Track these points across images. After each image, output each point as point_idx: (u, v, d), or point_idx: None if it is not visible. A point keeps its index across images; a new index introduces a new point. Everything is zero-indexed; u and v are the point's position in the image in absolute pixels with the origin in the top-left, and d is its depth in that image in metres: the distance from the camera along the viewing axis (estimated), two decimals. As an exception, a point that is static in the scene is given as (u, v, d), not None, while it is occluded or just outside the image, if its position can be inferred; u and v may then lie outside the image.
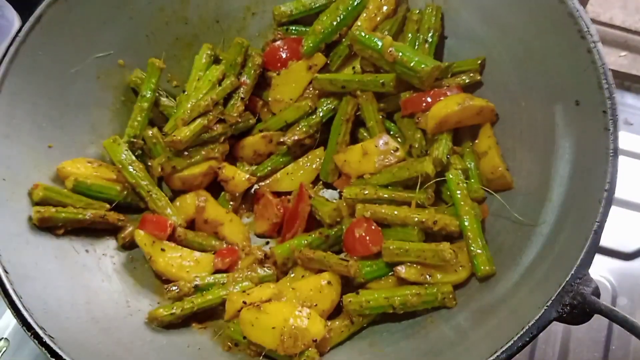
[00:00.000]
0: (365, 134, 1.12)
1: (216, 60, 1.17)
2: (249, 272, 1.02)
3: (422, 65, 1.00)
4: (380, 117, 1.10)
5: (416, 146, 1.04)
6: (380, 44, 1.03)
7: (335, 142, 1.11)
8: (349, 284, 0.99)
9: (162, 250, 1.02)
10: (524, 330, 0.73)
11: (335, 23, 1.11)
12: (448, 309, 0.92)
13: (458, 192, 0.97)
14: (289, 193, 1.13)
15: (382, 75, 1.06)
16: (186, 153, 1.09)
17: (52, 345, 0.79)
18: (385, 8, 1.11)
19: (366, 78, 1.08)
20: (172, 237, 1.05)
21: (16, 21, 1.26)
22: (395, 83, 1.05)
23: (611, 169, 0.78)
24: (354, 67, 1.14)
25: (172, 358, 0.91)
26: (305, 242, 1.03)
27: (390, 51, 1.02)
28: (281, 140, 1.12)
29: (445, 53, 1.12)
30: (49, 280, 0.90)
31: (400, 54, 1.01)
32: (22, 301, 0.82)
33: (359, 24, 1.11)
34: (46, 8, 0.99)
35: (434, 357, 0.86)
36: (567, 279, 0.74)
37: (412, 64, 1.01)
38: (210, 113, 1.08)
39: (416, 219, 0.96)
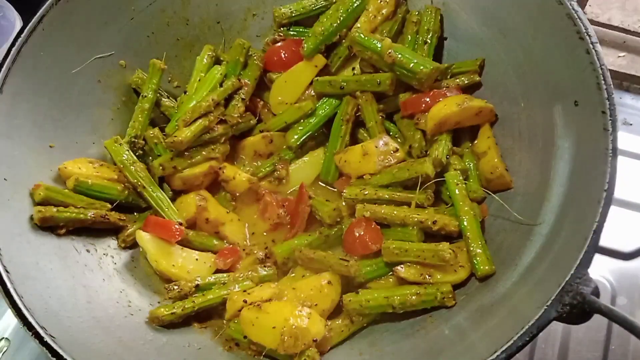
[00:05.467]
0: (365, 135, 1.12)
1: (217, 61, 1.18)
2: (250, 272, 1.02)
3: (421, 67, 1.01)
4: (380, 117, 1.10)
5: (416, 146, 1.04)
6: (379, 45, 1.04)
7: (335, 143, 1.11)
8: (349, 284, 0.99)
9: (163, 250, 1.03)
10: (524, 329, 0.74)
11: (335, 25, 1.11)
12: (447, 308, 0.92)
13: (457, 192, 0.97)
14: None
15: (378, 75, 1.07)
16: (187, 153, 1.09)
17: (53, 344, 0.79)
18: (384, 10, 1.11)
19: (363, 78, 1.08)
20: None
21: (18, 22, 1.27)
22: (392, 82, 1.05)
23: (610, 169, 0.78)
24: (353, 68, 1.14)
25: (173, 357, 0.91)
26: (306, 242, 1.03)
27: (389, 53, 1.02)
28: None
29: (444, 54, 1.13)
30: (50, 280, 0.90)
31: (400, 55, 1.02)
32: (23, 301, 0.82)
33: (358, 25, 1.11)
34: (48, 9, 1.00)
35: (434, 356, 0.86)
36: (567, 278, 0.74)
37: (411, 66, 1.01)
38: (211, 114, 1.09)
39: (416, 219, 0.96)
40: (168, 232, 1.02)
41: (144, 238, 1.02)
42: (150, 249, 1.02)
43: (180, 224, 1.05)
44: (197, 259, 1.04)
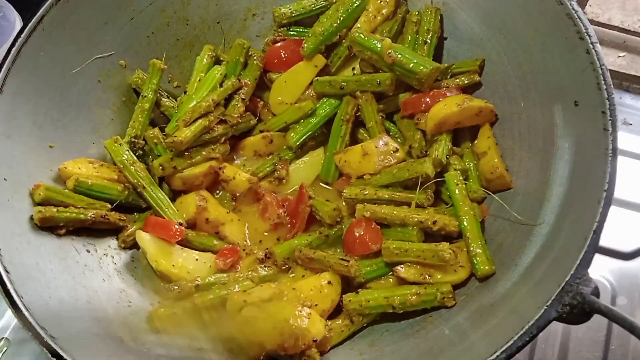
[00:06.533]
0: (365, 135, 1.12)
1: (217, 61, 1.18)
2: (250, 272, 1.02)
3: (421, 67, 1.01)
4: (380, 117, 1.10)
5: (416, 147, 1.04)
6: (379, 46, 1.04)
7: (335, 143, 1.11)
8: (349, 284, 0.99)
9: (163, 250, 1.03)
10: (524, 330, 0.74)
11: (335, 25, 1.11)
12: (447, 308, 0.92)
13: (457, 192, 0.97)
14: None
15: (378, 75, 1.07)
16: (187, 153, 1.09)
17: (53, 345, 0.79)
18: (384, 10, 1.11)
19: (363, 78, 1.08)
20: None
21: (17, 22, 1.26)
22: (392, 82, 1.05)
23: (610, 169, 0.78)
24: (353, 68, 1.14)
25: (173, 357, 0.91)
26: (306, 242, 1.03)
27: (389, 53, 1.02)
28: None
29: (444, 54, 1.13)
30: (50, 280, 0.90)
31: (399, 55, 1.02)
32: (23, 301, 0.82)
33: (358, 25, 1.11)
34: (48, 9, 1.00)
35: (434, 356, 0.86)
36: (567, 279, 0.74)
37: (411, 66, 1.01)
38: (211, 114, 1.09)
39: (416, 219, 0.96)
40: (168, 232, 1.02)
41: (144, 238, 1.02)
42: (150, 249, 1.02)
43: (180, 224, 1.05)
44: (197, 259, 1.04)
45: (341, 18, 1.11)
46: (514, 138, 1.00)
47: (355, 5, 1.11)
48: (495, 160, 0.99)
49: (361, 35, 1.06)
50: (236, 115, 1.12)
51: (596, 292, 0.74)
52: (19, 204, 0.95)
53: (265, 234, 1.11)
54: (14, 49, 0.97)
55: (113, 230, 1.06)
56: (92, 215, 1.00)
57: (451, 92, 1.03)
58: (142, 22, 1.14)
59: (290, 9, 1.17)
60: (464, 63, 1.08)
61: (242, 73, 1.16)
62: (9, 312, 0.82)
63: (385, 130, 1.10)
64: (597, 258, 0.76)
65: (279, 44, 1.17)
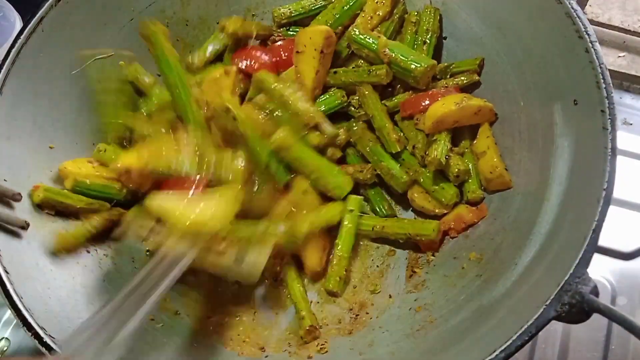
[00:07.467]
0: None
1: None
2: None
3: (416, 65, 1.01)
4: (384, 106, 1.08)
5: (420, 147, 1.04)
6: (375, 43, 1.04)
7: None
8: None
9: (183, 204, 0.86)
10: (523, 329, 0.73)
11: (330, 22, 1.12)
12: (447, 309, 0.92)
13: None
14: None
15: (374, 66, 1.07)
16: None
17: (53, 345, 0.79)
18: (380, 12, 1.12)
19: (360, 68, 1.08)
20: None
21: (17, 22, 1.27)
22: (386, 72, 1.04)
23: (609, 168, 0.78)
24: (354, 67, 1.14)
25: (173, 357, 0.91)
26: None
27: (384, 51, 1.02)
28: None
29: (444, 54, 1.13)
30: (50, 281, 0.90)
31: (394, 53, 1.02)
32: (23, 301, 0.82)
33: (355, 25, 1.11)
34: (47, 10, 1.00)
35: (433, 356, 0.86)
36: (566, 278, 0.74)
37: (405, 63, 1.01)
38: (211, 114, 1.09)
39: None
40: (185, 183, 0.91)
41: (156, 203, 0.87)
42: (169, 209, 0.86)
43: None
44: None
45: (337, 15, 1.12)
46: (514, 137, 1.00)
47: (351, 3, 1.12)
48: (495, 159, 0.99)
49: (357, 32, 1.06)
50: (236, 116, 1.12)
51: (595, 292, 0.74)
52: (19, 204, 0.95)
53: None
54: (13, 50, 0.97)
55: (113, 230, 1.06)
56: (92, 216, 1.01)
57: (450, 92, 1.03)
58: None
59: (289, 9, 1.17)
60: (463, 62, 1.08)
61: (242, 73, 1.16)
62: (9, 312, 0.82)
63: (390, 120, 1.08)
64: (597, 258, 0.76)
65: (278, 44, 1.17)
